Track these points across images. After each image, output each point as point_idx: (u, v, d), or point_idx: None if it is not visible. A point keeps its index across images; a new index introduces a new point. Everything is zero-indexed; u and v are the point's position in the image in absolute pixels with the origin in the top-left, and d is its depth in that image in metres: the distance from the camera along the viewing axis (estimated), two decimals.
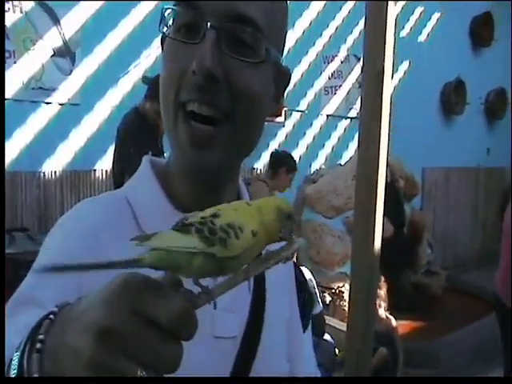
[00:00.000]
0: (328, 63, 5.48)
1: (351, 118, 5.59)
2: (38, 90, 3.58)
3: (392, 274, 3.93)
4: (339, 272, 4.35)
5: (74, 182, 3.77)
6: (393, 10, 1.86)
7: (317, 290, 3.03)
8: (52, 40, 3.63)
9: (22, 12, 3.47)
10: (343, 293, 3.99)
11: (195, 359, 0.62)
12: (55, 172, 3.69)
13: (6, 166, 3.33)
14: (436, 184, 6.87)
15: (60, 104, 3.69)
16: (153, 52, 3.94)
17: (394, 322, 3.63)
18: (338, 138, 5.64)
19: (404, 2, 5.99)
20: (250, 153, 0.71)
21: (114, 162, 3.31)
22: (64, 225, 0.67)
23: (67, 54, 3.71)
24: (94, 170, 3.87)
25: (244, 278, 0.45)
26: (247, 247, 0.44)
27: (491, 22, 7.04)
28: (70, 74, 3.72)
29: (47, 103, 3.63)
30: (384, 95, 1.85)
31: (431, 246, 5.74)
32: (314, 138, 5.42)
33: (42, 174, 3.63)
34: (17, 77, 3.45)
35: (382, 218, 1.90)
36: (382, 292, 3.72)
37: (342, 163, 5.39)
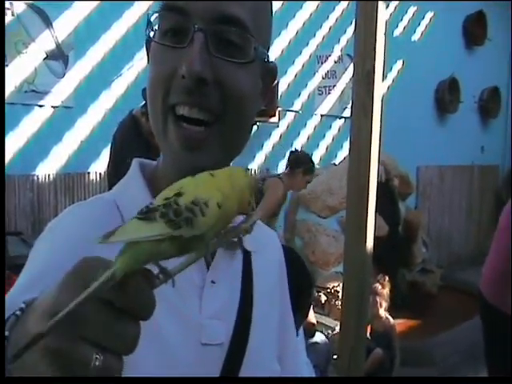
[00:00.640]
0: (322, 63, 5.49)
1: (345, 118, 5.59)
2: (31, 92, 3.56)
3: (387, 272, 3.94)
4: (334, 272, 4.35)
5: (67, 184, 3.75)
6: (383, 10, 1.87)
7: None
8: (45, 43, 3.61)
9: (13, 15, 3.45)
10: (338, 292, 3.98)
11: (183, 365, 0.62)
12: (49, 175, 3.68)
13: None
14: (430, 182, 6.89)
15: (53, 107, 3.68)
16: (146, 55, 3.93)
17: (392, 323, 3.63)
18: (333, 138, 5.64)
19: (397, 2, 6.02)
20: (240, 152, 0.71)
21: (108, 168, 3.30)
22: (53, 230, 0.67)
23: (60, 57, 3.69)
24: (88, 173, 3.86)
25: (204, 253, 0.44)
26: (214, 222, 0.43)
27: (484, 21, 7.07)
28: (62, 76, 3.70)
29: (40, 106, 3.62)
30: (375, 95, 1.87)
31: (426, 244, 5.75)
32: (308, 138, 5.42)
33: (35, 177, 3.61)
34: (9, 80, 3.43)
35: (374, 217, 1.91)
36: (385, 291, 3.70)
37: (337, 163, 5.39)
